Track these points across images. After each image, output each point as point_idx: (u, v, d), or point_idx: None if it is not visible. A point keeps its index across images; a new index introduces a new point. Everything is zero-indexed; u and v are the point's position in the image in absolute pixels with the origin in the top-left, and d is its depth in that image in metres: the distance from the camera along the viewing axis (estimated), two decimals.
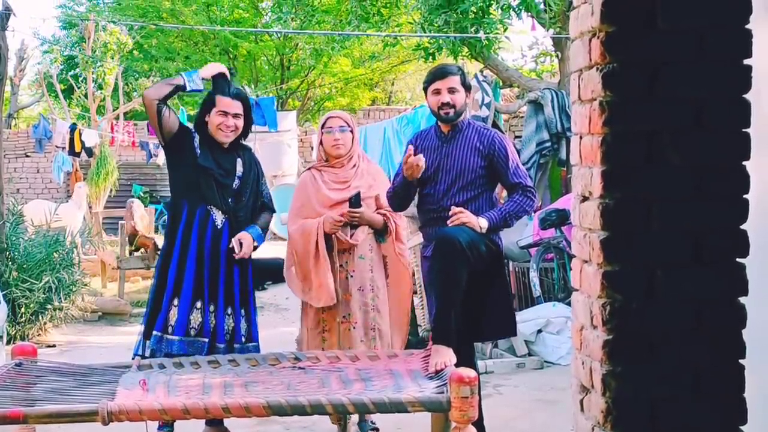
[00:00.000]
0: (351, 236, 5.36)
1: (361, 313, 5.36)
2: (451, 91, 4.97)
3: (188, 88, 5.13)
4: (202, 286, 5.11)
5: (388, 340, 5.39)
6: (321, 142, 5.54)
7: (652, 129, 2.68)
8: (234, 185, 5.22)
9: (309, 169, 5.67)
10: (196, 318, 5.07)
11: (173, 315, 5.05)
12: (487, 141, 4.97)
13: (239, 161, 5.27)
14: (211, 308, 5.11)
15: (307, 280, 5.36)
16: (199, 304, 5.08)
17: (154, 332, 5.05)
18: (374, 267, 5.45)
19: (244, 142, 5.42)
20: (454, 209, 4.77)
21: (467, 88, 5.05)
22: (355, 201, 5.29)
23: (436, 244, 4.70)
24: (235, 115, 5.18)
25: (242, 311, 5.23)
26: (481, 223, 4.75)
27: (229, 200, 5.21)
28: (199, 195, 5.14)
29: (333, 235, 5.33)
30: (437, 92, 4.99)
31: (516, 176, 4.95)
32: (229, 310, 5.18)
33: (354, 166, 5.51)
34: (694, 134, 2.68)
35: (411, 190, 5.07)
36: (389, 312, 5.46)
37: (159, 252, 5.41)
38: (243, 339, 5.22)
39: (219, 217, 5.16)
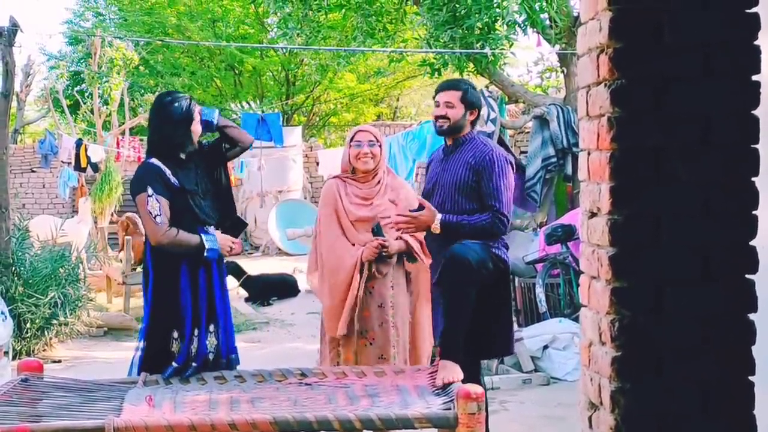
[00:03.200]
0: (379, 269, 5.29)
1: (380, 330, 5.27)
2: (447, 105, 5.03)
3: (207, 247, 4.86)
4: (214, 309, 4.92)
5: (405, 356, 5.31)
6: (348, 156, 5.45)
7: (660, 145, 2.68)
8: (210, 193, 5.04)
9: (334, 177, 5.57)
10: (211, 342, 4.91)
11: (195, 346, 4.82)
12: (480, 156, 4.95)
13: (195, 161, 5.02)
14: (221, 326, 4.97)
15: (328, 298, 5.33)
16: (212, 328, 4.90)
17: (174, 364, 4.78)
18: (395, 284, 5.35)
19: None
20: (394, 218, 4.91)
21: (469, 104, 5.04)
22: (377, 231, 5.23)
23: (446, 263, 4.69)
24: None
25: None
26: (434, 225, 4.81)
27: (211, 208, 5.02)
28: (195, 219, 4.91)
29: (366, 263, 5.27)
30: (437, 104, 5.09)
31: (491, 198, 4.87)
32: (231, 324, 5.08)
33: (378, 182, 5.42)
34: (703, 150, 2.68)
35: None
36: (416, 327, 5.40)
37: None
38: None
39: (213, 231, 4.99)
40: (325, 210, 5.44)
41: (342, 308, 5.24)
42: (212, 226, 4.99)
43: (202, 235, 4.84)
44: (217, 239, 4.91)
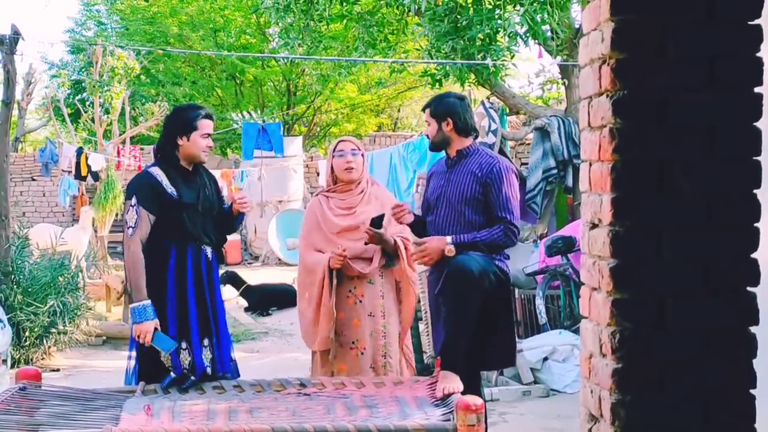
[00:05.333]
0: (365, 266, 5.32)
1: (370, 339, 5.29)
2: (427, 124, 5.15)
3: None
4: (208, 324, 4.94)
5: (398, 367, 5.33)
6: (332, 167, 5.50)
7: (662, 156, 2.66)
8: (213, 210, 5.07)
9: (317, 194, 5.65)
10: (207, 356, 4.91)
11: (185, 358, 4.82)
12: (486, 168, 4.95)
13: (204, 180, 5.08)
14: (215, 341, 4.97)
15: (307, 316, 5.38)
16: (206, 342, 4.91)
17: (171, 374, 4.78)
18: (385, 293, 5.37)
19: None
20: (414, 250, 4.98)
21: (439, 116, 5.04)
22: (377, 222, 5.20)
23: (449, 274, 4.68)
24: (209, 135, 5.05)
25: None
26: (448, 247, 4.79)
27: (211, 227, 5.03)
28: (187, 233, 4.92)
29: (342, 268, 5.28)
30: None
31: (502, 210, 4.87)
32: (225, 339, 5.08)
33: (361, 192, 5.47)
34: (705, 162, 2.67)
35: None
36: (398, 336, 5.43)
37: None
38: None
39: (208, 249, 5.00)
40: (304, 229, 5.55)
41: (315, 321, 5.29)
42: (209, 246, 4.99)
43: (150, 311, 4.76)
44: (155, 331, 4.76)
